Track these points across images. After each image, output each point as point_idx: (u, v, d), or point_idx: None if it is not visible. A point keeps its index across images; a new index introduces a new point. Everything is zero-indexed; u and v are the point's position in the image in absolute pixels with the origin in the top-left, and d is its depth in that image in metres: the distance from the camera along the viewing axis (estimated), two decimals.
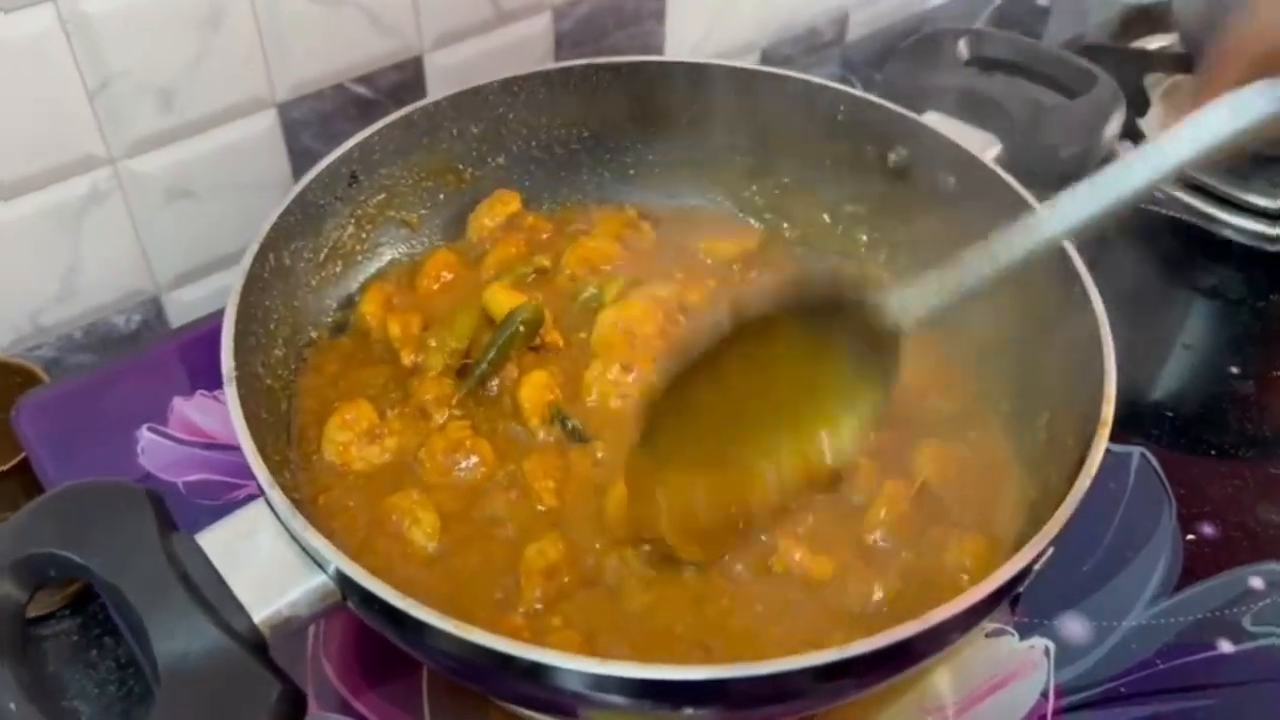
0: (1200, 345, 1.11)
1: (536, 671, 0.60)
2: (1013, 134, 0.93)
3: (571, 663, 0.60)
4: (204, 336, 1.06)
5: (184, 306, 1.16)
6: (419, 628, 0.62)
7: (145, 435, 0.97)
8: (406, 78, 1.16)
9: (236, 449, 0.94)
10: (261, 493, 0.68)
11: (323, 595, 0.65)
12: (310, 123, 1.12)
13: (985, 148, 0.92)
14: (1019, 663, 0.85)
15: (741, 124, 1.01)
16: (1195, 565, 0.91)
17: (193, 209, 1.10)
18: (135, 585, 0.62)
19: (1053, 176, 0.91)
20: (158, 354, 1.05)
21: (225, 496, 0.93)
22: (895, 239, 0.97)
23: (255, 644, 0.63)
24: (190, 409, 0.99)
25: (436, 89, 1.17)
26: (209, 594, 0.63)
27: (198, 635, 0.61)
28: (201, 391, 1.00)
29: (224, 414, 0.97)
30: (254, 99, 1.07)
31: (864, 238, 0.99)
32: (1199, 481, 0.96)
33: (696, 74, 0.99)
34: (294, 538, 0.66)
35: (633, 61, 0.98)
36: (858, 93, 0.95)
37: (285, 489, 0.67)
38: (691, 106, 1.00)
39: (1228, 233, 1.18)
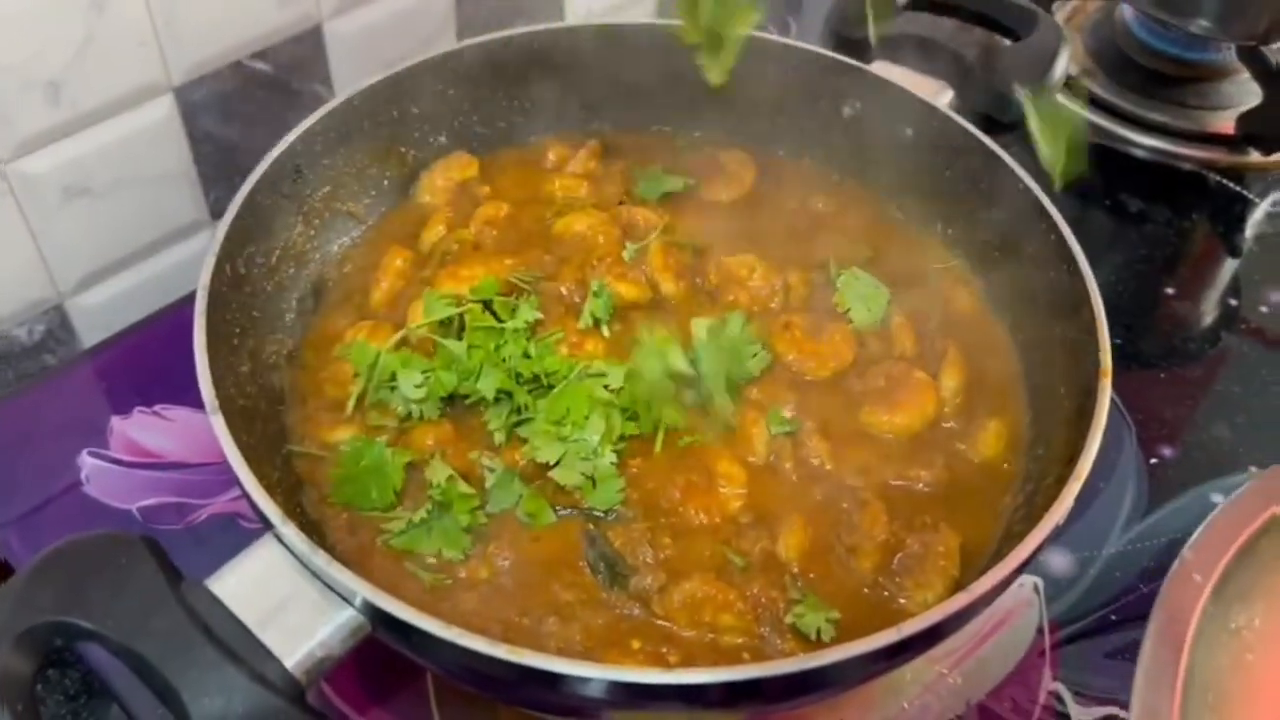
0: (1135, 270, 1.14)
1: (591, 686, 0.59)
2: (962, 78, 0.93)
3: (630, 675, 0.59)
4: (130, 350, 1.01)
5: (90, 311, 1.09)
6: (461, 653, 0.59)
7: (87, 461, 0.91)
8: (306, 50, 1.10)
9: (189, 467, 0.91)
10: (270, 528, 0.64)
11: (353, 630, 0.62)
12: (209, 105, 1.05)
13: (938, 94, 0.92)
14: (1012, 602, 0.87)
15: (688, 85, 0.98)
16: (1160, 488, 0.94)
17: (92, 207, 1.03)
18: (156, 646, 0.58)
19: (1005, 119, 0.92)
20: (81, 374, 0.98)
21: (186, 519, 0.88)
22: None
23: (293, 692, 0.60)
24: (131, 428, 0.93)
25: (338, 58, 1.11)
26: (236, 645, 0.59)
27: (234, 691, 0.58)
28: (140, 408, 0.94)
29: (170, 430, 0.93)
30: (148, 84, 1.00)
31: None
32: (1154, 406, 0.99)
33: (635, 35, 0.96)
34: (315, 574, 0.62)
35: (574, 27, 0.95)
36: (805, 46, 0.94)
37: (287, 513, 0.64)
38: (635, 69, 0.97)
39: (1142, 153, 1.22)
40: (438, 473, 0.73)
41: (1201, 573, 0.73)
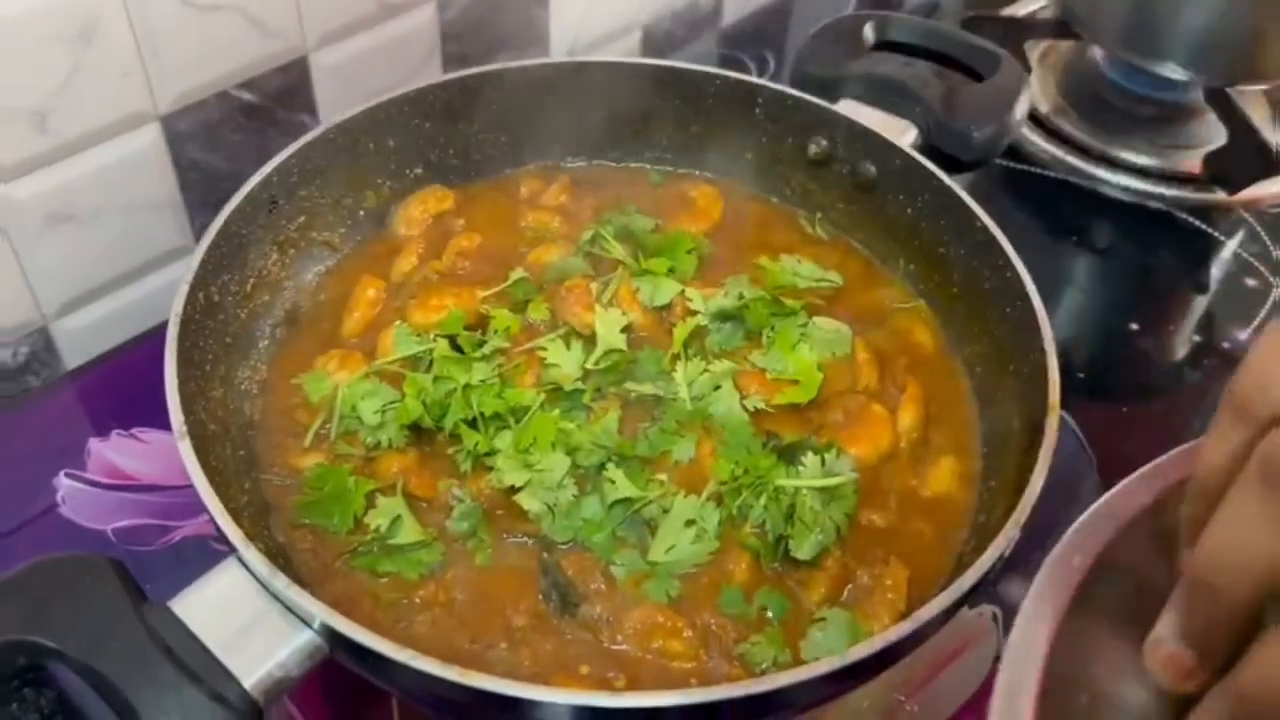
0: (1101, 305, 1.16)
1: (538, 710, 0.61)
2: (926, 119, 0.95)
3: (586, 699, 0.61)
4: (110, 374, 1.03)
5: (73, 334, 1.11)
6: (417, 677, 0.61)
7: (64, 482, 0.92)
8: (292, 80, 1.12)
9: (164, 489, 0.93)
10: (232, 550, 0.65)
11: (311, 651, 0.64)
12: (196, 134, 1.07)
13: (901, 134, 0.94)
14: (970, 631, 0.89)
15: (660, 121, 1.01)
16: None
17: (77, 233, 1.04)
18: (117, 665, 0.60)
19: (967, 159, 0.94)
20: (62, 396, 1.00)
21: (160, 541, 0.89)
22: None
23: (251, 712, 0.61)
24: (109, 450, 0.95)
25: (323, 89, 1.13)
26: (195, 665, 0.61)
27: (190, 710, 0.59)
28: (118, 431, 0.96)
29: (147, 453, 0.95)
30: (135, 113, 1.02)
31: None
32: (1115, 439, 1.01)
33: (610, 73, 0.99)
34: (275, 596, 0.64)
35: (546, 63, 0.98)
36: (773, 85, 0.96)
37: (250, 538, 0.65)
38: (609, 106, 1.00)
39: (1111, 191, 1.24)
40: (383, 514, 0.75)
41: (1081, 555, 0.73)
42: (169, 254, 1.11)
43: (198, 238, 1.10)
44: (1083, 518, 0.72)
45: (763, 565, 0.75)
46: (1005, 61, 0.97)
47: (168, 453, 0.95)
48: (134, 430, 0.96)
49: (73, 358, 1.09)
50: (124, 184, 1.04)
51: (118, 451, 0.95)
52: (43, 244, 1.02)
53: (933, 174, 0.89)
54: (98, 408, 0.98)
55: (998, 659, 0.86)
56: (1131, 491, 0.71)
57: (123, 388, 1.00)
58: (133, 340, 1.06)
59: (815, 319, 0.88)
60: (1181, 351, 1.12)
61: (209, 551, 0.89)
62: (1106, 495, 0.68)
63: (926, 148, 0.95)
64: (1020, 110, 0.95)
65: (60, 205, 1.01)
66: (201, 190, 1.09)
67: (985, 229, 0.85)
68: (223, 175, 1.10)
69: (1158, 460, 0.83)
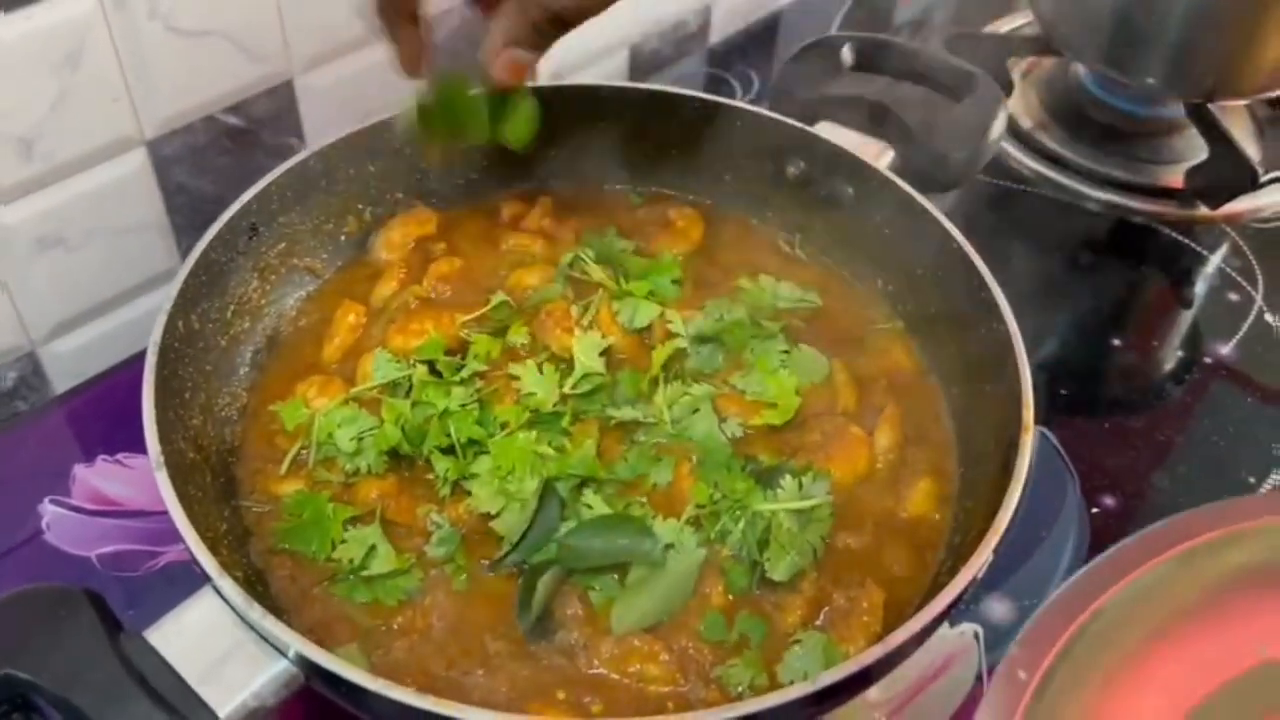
0: (1084, 320, 1.17)
1: None
2: (904, 139, 0.96)
3: None
4: (96, 398, 1.03)
5: (62, 358, 1.11)
6: (392, 706, 0.61)
7: (49, 509, 0.93)
8: (279, 103, 1.13)
9: (149, 515, 0.93)
10: (208, 580, 0.66)
11: (286, 681, 0.64)
12: (182, 158, 1.08)
13: (879, 155, 0.95)
14: (952, 649, 0.89)
15: (640, 144, 1.01)
16: (1102, 536, 0.96)
17: (65, 258, 1.05)
18: (91, 697, 0.60)
19: (945, 179, 0.95)
20: (48, 421, 1.01)
21: (144, 566, 0.90)
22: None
23: None
24: (94, 476, 0.95)
25: (310, 112, 1.14)
26: (170, 696, 0.61)
27: None
28: (103, 457, 0.96)
29: (132, 479, 0.95)
30: (121, 139, 1.02)
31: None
32: (1097, 455, 1.01)
33: (591, 96, 0.99)
34: (250, 625, 0.64)
35: (526, 87, 0.97)
36: (751, 107, 0.96)
37: (227, 567, 0.66)
38: (591, 129, 1.00)
39: (1094, 206, 1.25)
40: (355, 546, 0.75)
41: (1026, 669, 0.73)
42: (157, 277, 1.12)
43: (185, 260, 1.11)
44: (1027, 626, 0.71)
45: (733, 589, 0.75)
46: (982, 82, 0.98)
47: (152, 478, 0.96)
48: (119, 455, 0.97)
49: (61, 382, 1.09)
50: (111, 209, 1.05)
51: (102, 477, 0.95)
52: (31, 269, 1.03)
53: (909, 195, 0.90)
54: (82, 433, 0.99)
55: (979, 678, 0.87)
56: (1079, 588, 0.70)
57: (109, 412, 1.01)
58: (114, 366, 1.06)
59: (800, 346, 0.89)
60: (1165, 366, 1.12)
61: (195, 577, 0.88)
62: (1050, 598, 0.66)
63: (904, 168, 0.96)
64: (996, 131, 0.96)
65: (48, 230, 1.02)
66: (188, 213, 1.10)
67: (961, 250, 0.85)
68: (209, 198, 1.10)
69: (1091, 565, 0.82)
